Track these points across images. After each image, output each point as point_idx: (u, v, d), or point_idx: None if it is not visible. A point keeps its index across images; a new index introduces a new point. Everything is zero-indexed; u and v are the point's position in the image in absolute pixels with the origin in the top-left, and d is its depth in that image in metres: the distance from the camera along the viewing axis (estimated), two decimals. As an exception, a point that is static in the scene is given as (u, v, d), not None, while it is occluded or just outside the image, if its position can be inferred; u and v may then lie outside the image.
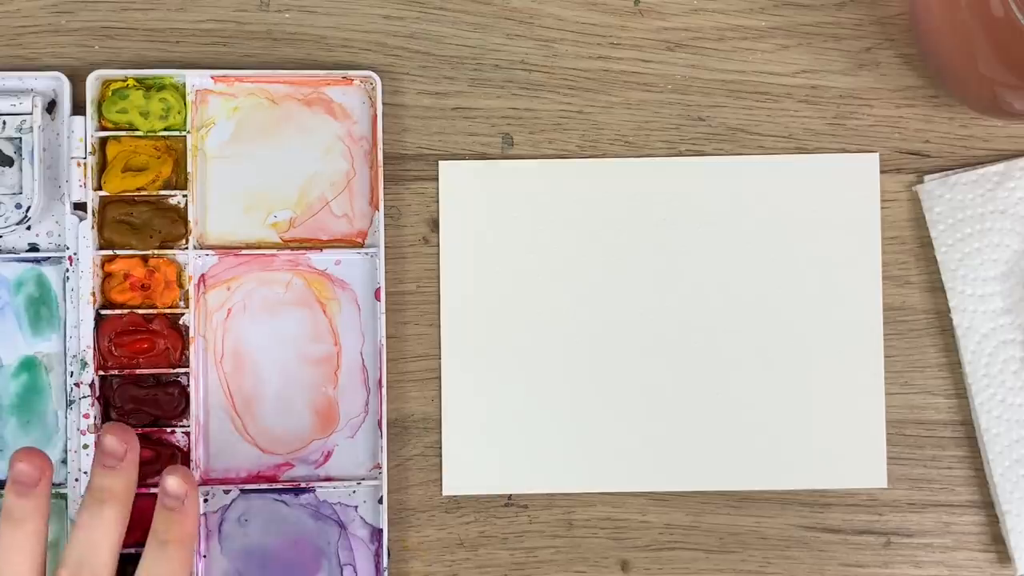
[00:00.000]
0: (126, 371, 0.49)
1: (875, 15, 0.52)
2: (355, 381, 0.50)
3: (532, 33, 0.51)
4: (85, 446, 0.48)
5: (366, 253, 0.50)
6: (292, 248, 0.50)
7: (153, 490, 0.49)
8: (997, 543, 0.51)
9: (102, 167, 0.50)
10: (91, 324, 0.49)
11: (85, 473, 0.48)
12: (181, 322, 0.50)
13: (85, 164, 0.49)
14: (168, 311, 0.50)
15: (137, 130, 0.50)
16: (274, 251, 0.50)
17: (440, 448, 0.51)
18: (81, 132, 0.49)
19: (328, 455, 0.50)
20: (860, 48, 0.52)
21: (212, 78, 0.50)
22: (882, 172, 0.51)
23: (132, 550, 0.49)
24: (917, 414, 0.51)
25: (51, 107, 0.50)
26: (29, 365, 0.50)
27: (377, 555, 0.50)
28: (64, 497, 0.49)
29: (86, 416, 0.49)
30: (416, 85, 0.51)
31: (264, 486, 0.50)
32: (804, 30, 0.52)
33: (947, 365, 0.51)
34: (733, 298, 0.51)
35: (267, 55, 0.51)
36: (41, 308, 0.50)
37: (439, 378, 0.51)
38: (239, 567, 0.50)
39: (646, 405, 0.51)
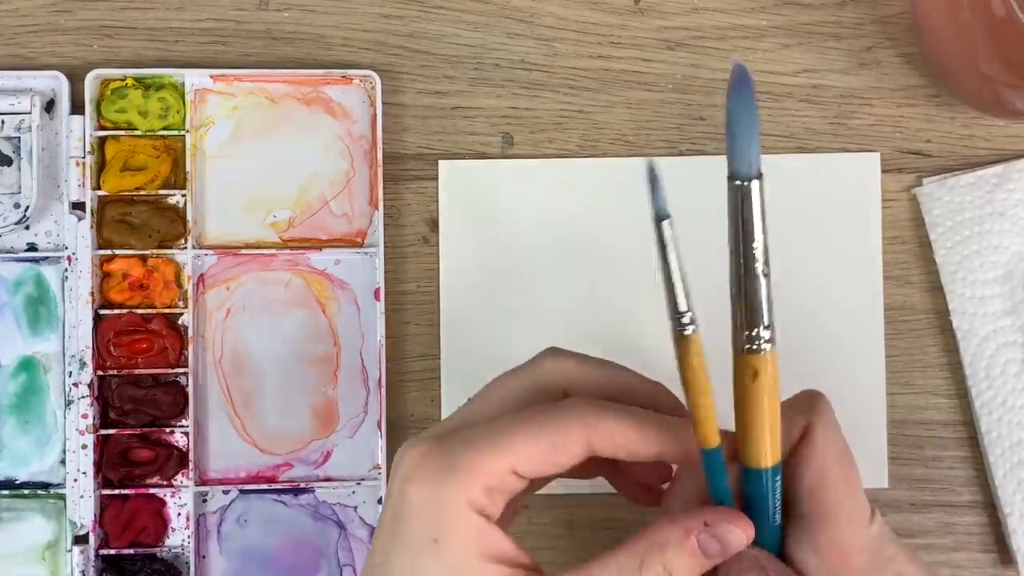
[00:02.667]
0: (125, 371, 0.49)
1: (876, 14, 0.52)
2: (355, 381, 0.50)
3: (532, 32, 0.51)
4: (84, 446, 0.48)
5: (366, 253, 0.50)
6: (291, 248, 0.50)
7: (153, 490, 0.49)
8: (999, 543, 0.51)
9: (101, 166, 0.50)
10: (90, 324, 0.49)
11: (85, 473, 0.48)
12: (180, 322, 0.50)
13: (84, 163, 0.49)
14: (167, 311, 0.50)
15: (136, 129, 0.50)
16: (273, 251, 0.50)
17: (440, 448, 0.50)
18: (80, 131, 0.49)
19: (327, 455, 0.50)
20: (861, 47, 0.52)
21: (211, 77, 0.50)
22: (883, 172, 0.51)
23: (132, 551, 0.49)
24: (918, 414, 0.51)
25: (50, 106, 0.50)
26: (28, 365, 0.50)
27: (376, 555, 0.50)
28: (63, 498, 0.49)
29: (85, 416, 0.49)
30: (416, 84, 0.51)
31: (263, 486, 0.50)
32: (805, 29, 0.51)
33: (948, 365, 0.51)
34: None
35: (266, 54, 0.51)
36: (40, 308, 0.50)
37: (439, 378, 0.50)
38: (238, 568, 0.50)
39: (646, 405, 0.50)
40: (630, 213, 0.51)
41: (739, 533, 0.36)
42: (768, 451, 0.35)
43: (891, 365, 0.51)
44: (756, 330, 0.33)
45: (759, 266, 0.32)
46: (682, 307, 0.36)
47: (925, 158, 0.52)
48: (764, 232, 0.32)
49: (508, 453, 0.36)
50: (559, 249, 0.51)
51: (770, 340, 0.33)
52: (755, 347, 0.33)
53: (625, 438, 0.36)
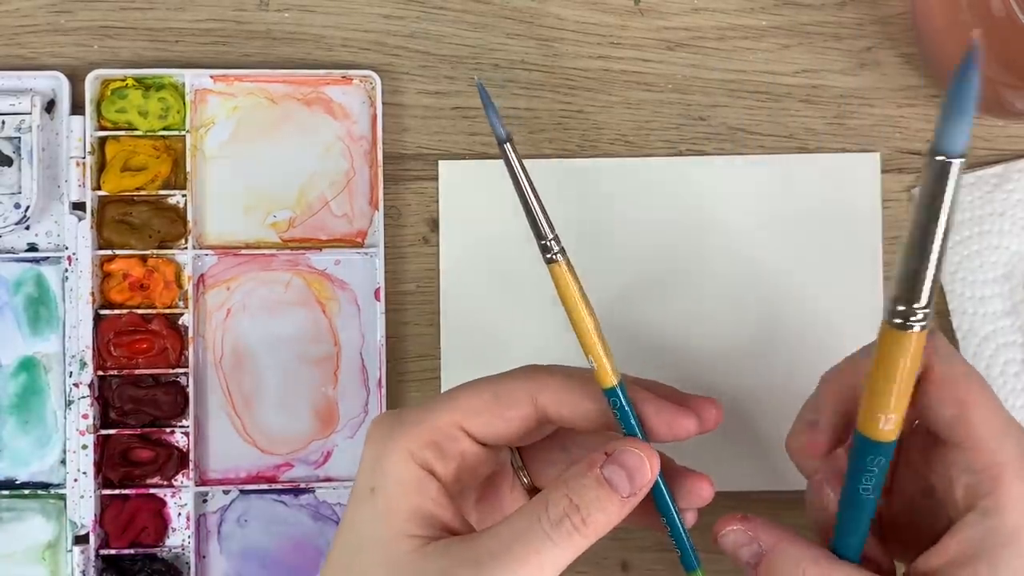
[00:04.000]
0: (125, 371, 0.49)
1: (876, 14, 0.52)
2: (355, 381, 0.50)
3: (532, 32, 0.51)
4: (84, 446, 0.48)
5: (366, 253, 0.50)
6: (292, 248, 0.50)
7: (153, 490, 0.49)
8: (998, 544, 0.51)
9: (101, 167, 0.50)
10: (90, 324, 0.49)
11: (85, 473, 0.48)
12: (180, 322, 0.50)
13: (84, 164, 0.49)
14: (167, 311, 0.50)
15: (136, 130, 0.50)
16: (273, 251, 0.50)
17: (440, 448, 0.50)
18: (80, 132, 0.49)
19: (328, 455, 0.50)
20: (861, 47, 0.52)
21: (211, 77, 0.50)
22: (883, 172, 0.51)
23: (132, 551, 0.49)
24: (918, 414, 0.51)
25: (50, 107, 0.50)
26: (28, 365, 0.50)
27: (377, 555, 0.50)
28: (63, 498, 0.49)
29: (85, 416, 0.49)
30: (416, 85, 0.51)
31: (263, 487, 0.50)
32: (805, 29, 0.51)
33: (948, 365, 0.51)
34: (733, 298, 0.51)
35: (266, 54, 0.51)
36: (40, 308, 0.50)
37: (439, 378, 0.50)
38: (238, 567, 0.50)
39: (646, 405, 0.50)
40: (630, 213, 0.51)
41: (636, 454, 0.36)
42: (892, 425, 0.34)
43: (891, 365, 0.51)
44: (910, 307, 0.32)
45: (934, 246, 0.31)
46: (547, 234, 0.36)
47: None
48: (950, 215, 0.31)
49: (453, 408, 0.37)
50: (559, 249, 0.51)
51: (923, 321, 0.32)
52: (905, 323, 0.32)
53: (570, 393, 0.37)
